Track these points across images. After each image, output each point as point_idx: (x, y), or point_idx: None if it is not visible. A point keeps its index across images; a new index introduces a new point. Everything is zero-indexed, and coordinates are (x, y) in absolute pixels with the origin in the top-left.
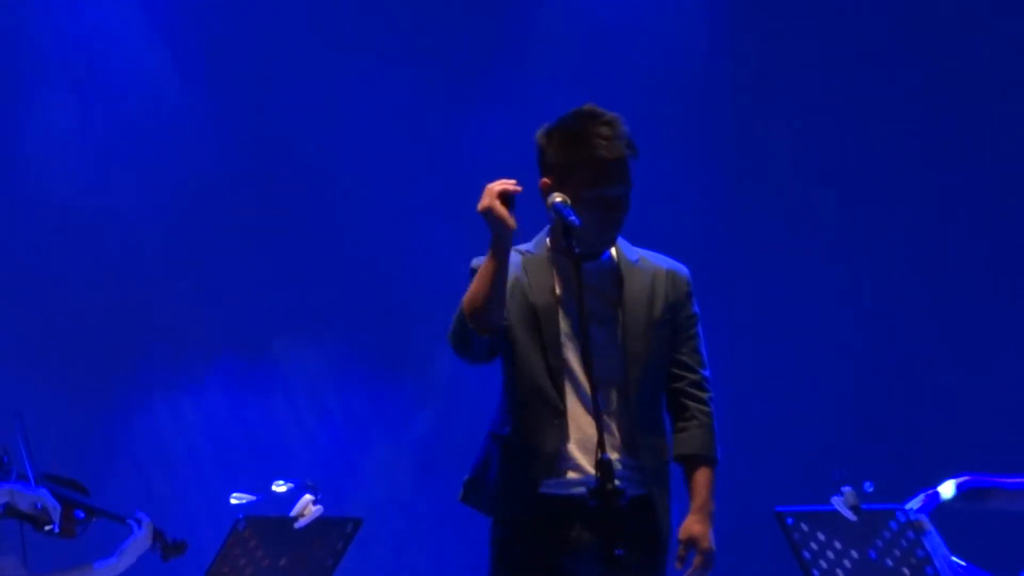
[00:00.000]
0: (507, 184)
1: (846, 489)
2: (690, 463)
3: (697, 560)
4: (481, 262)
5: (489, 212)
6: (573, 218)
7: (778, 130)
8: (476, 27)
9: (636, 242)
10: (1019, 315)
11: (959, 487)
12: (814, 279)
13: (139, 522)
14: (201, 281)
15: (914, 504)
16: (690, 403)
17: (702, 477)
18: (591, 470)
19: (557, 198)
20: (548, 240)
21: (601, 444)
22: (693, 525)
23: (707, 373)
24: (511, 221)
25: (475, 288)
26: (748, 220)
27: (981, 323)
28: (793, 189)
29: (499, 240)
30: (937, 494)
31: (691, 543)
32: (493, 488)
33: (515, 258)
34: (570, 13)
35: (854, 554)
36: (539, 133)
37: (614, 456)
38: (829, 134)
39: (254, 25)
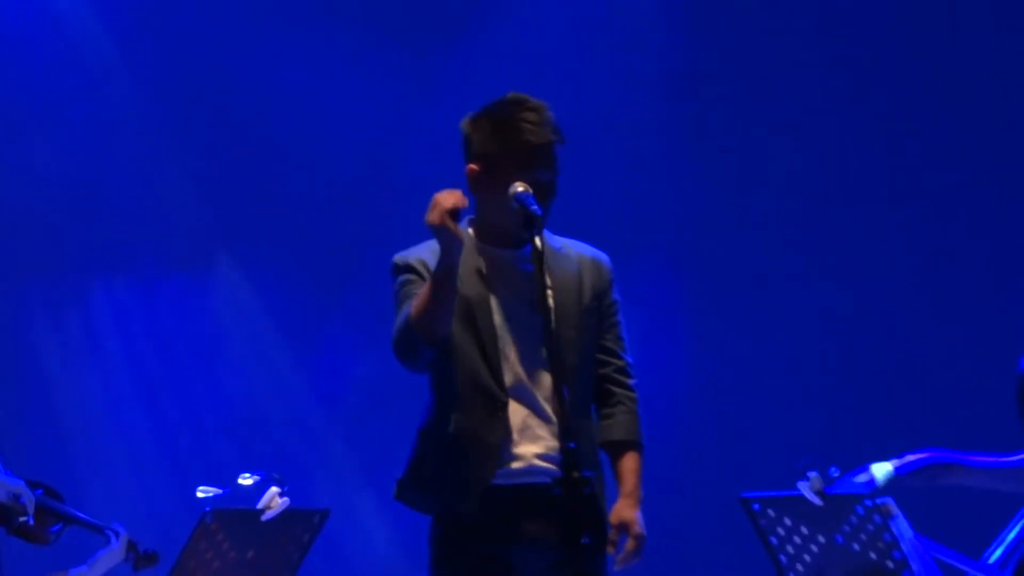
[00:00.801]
0: (456, 198)
1: (812, 474)
2: (617, 448)
3: (629, 544)
4: (407, 258)
5: (440, 228)
6: (535, 207)
7: (767, 128)
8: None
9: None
10: (988, 300)
11: (908, 465)
12: (783, 268)
13: (116, 534)
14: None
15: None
16: (615, 389)
17: (630, 463)
18: (535, 460)
19: (519, 187)
20: (471, 229)
21: (565, 432)
22: (624, 510)
23: (630, 359)
24: (462, 235)
25: (424, 300)
26: (722, 211)
27: (953, 312)
28: (770, 184)
29: (449, 254)
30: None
31: (623, 528)
32: (433, 485)
33: (439, 249)
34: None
35: (821, 539)
36: (465, 121)
37: (556, 444)
38: (810, 129)
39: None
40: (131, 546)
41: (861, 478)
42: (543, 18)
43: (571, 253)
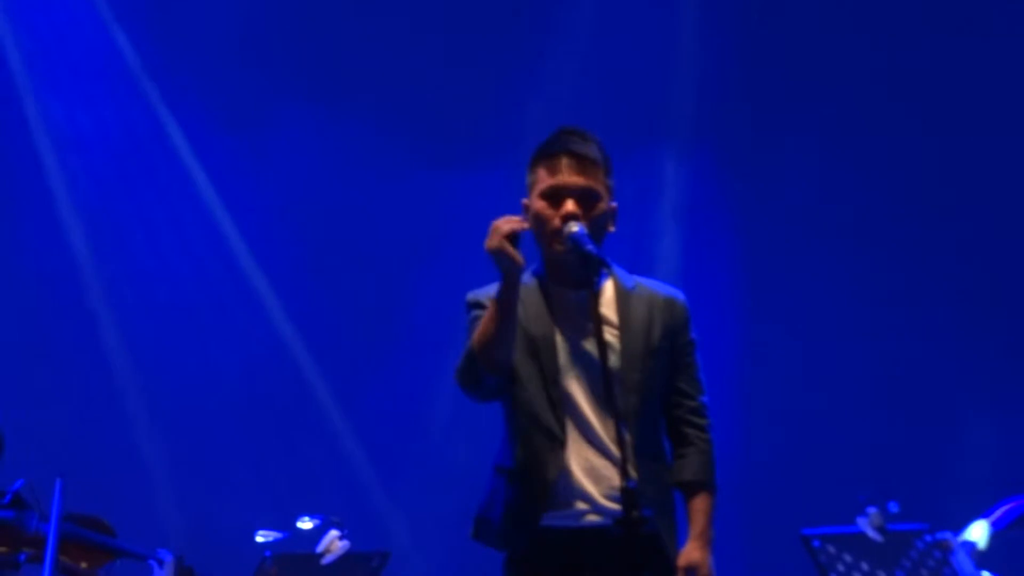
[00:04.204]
0: (514, 222)
1: (871, 510)
2: (688, 489)
3: None
4: (478, 296)
5: (499, 252)
6: (591, 247)
7: (798, 152)
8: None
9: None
10: None
11: (1003, 519)
12: (834, 297)
13: (160, 562)
14: None
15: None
16: (688, 430)
17: (700, 504)
18: (599, 499)
19: (574, 227)
20: (541, 270)
21: (624, 472)
22: (692, 552)
23: (705, 399)
24: (520, 259)
25: (485, 327)
26: (765, 239)
27: (1005, 343)
28: (814, 207)
29: (508, 278)
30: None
31: (690, 571)
32: (499, 523)
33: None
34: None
35: (881, 575)
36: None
37: (620, 484)
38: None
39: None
40: (184, 571)
41: (965, 537)
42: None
43: (644, 293)
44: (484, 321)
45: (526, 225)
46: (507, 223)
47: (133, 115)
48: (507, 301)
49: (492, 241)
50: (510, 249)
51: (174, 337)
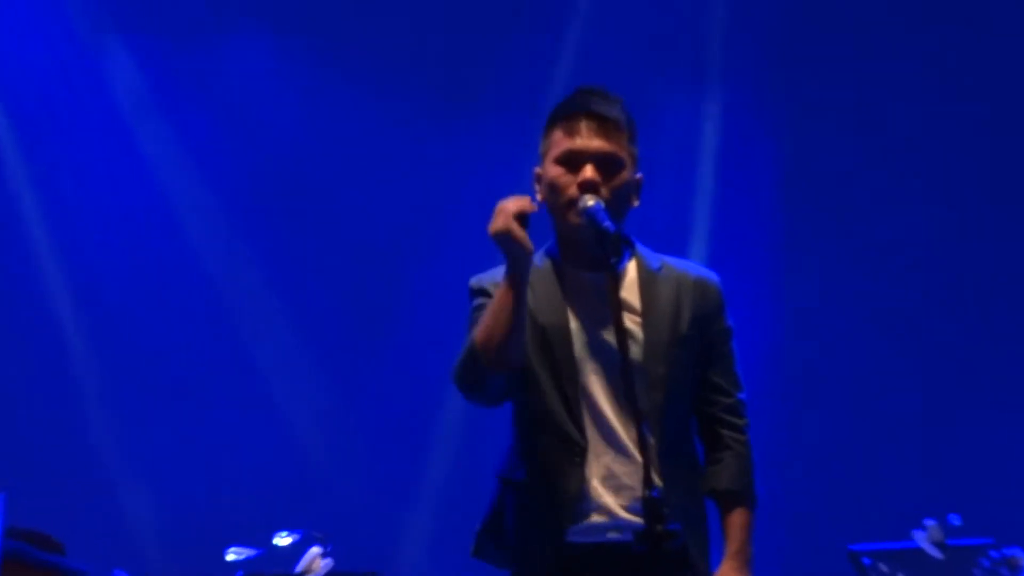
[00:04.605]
0: (523, 203)
1: (930, 523)
2: (724, 500)
3: None
4: (483, 282)
5: (506, 236)
6: (608, 223)
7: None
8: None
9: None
10: None
11: None
12: (886, 283)
13: None
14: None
15: None
16: (724, 431)
17: (738, 517)
18: (620, 513)
19: (590, 201)
20: (554, 248)
21: (648, 479)
22: (728, 573)
23: (743, 396)
24: (529, 245)
25: (490, 319)
26: (810, 240)
27: None
28: (863, 210)
29: (516, 264)
30: None
31: None
32: (510, 540)
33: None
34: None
35: None
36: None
37: (641, 492)
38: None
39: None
40: None
41: None
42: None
43: (671, 274)
44: (488, 312)
45: (535, 206)
46: (515, 203)
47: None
48: (515, 290)
49: (497, 223)
50: (518, 232)
51: (129, 320)
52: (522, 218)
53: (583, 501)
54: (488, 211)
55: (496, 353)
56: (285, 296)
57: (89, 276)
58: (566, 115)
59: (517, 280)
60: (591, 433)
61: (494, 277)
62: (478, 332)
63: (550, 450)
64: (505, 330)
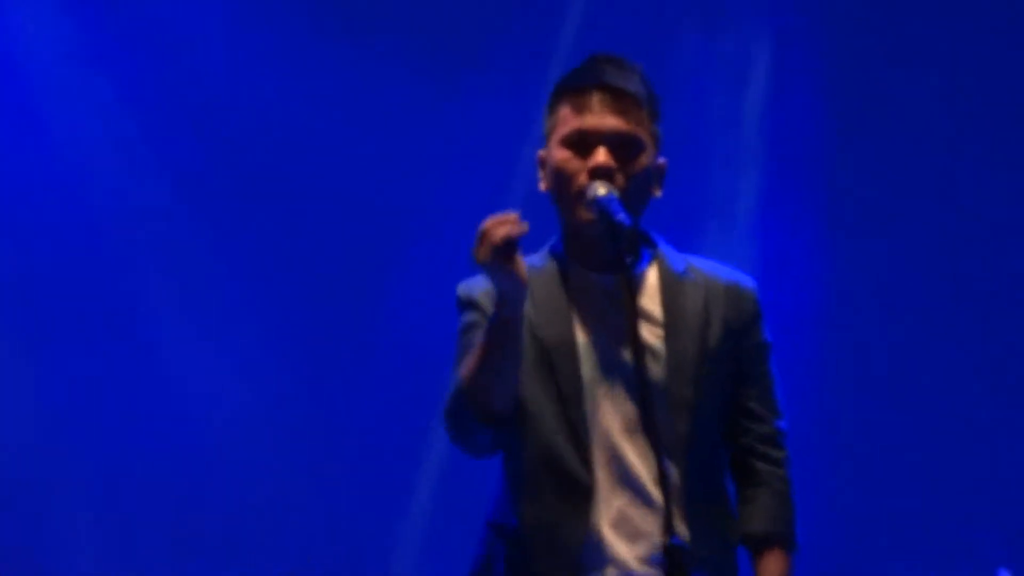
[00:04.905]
0: (509, 225)
1: (1003, 574)
2: (759, 545)
3: None
4: (472, 291)
5: (492, 267)
6: (622, 216)
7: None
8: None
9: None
10: None
11: None
12: (949, 290)
13: None
14: None
15: None
16: (759, 465)
17: (773, 565)
18: (636, 565)
19: (601, 190)
20: (559, 246)
21: (669, 524)
22: None
23: (783, 424)
24: (522, 274)
25: (477, 360)
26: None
27: None
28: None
29: (507, 299)
30: None
31: None
32: None
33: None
34: None
35: None
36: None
37: (661, 540)
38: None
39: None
40: None
41: None
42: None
43: (698, 278)
44: (476, 352)
45: (526, 225)
46: (501, 225)
47: None
48: (506, 330)
49: (481, 253)
50: (506, 265)
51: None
52: (510, 244)
53: (590, 552)
54: (477, 193)
55: (482, 398)
56: (246, 290)
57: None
58: (575, 88)
59: (510, 314)
60: (600, 470)
61: (488, 285)
62: (464, 374)
63: (548, 491)
64: (493, 376)
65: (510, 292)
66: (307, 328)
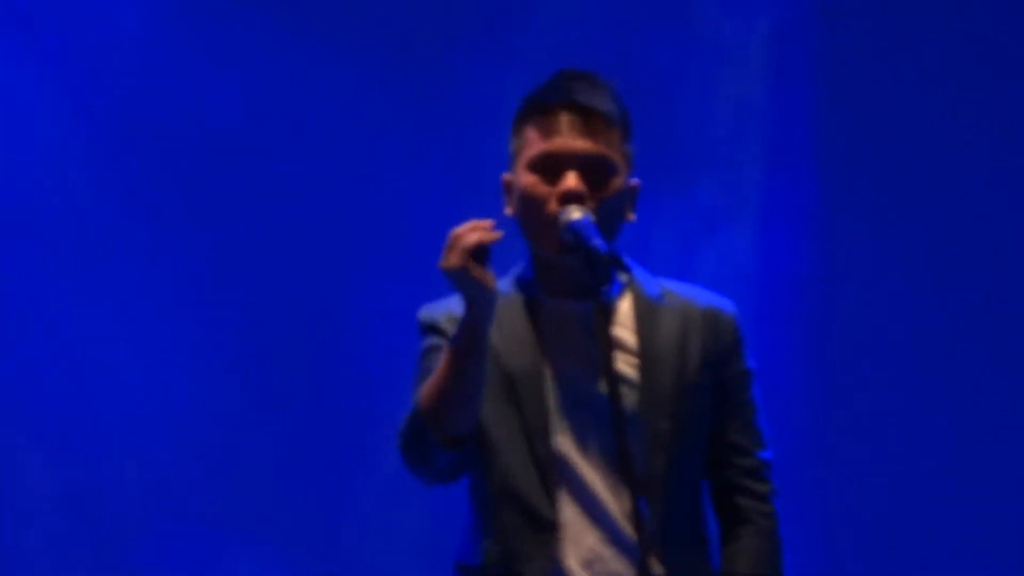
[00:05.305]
0: (481, 232)
1: None
2: None
3: None
4: (435, 315)
5: (460, 274)
6: (598, 241)
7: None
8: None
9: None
10: None
11: None
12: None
13: None
14: None
15: None
16: (743, 500)
17: None
18: None
19: (575, 214)
20: (528, 274)
21: (644, 567)
22: None
23: (767, 455)
24: (491, 283)
25: (440, 379)
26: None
27: None
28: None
29: (474, 310)
30: None
31: None
32: None
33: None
34: None
35: None
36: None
37: None
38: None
39: None
40: None
41: None
42: None
43: (675, 303)
44: (437, 371)
45: (499, 233)
46: (472, 231)
47: None
48: (472, 344)
49: (450, 259)
50: (476, 271)
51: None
52: (482, 251)
53: None
54: (448, 196)
55: (445, 419)
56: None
57: None
58: (541, 108)
59: (476, 328)
60: (568, 507)
61: (450, 309)
62: (424, 395)
63: (512, 528)
64: (457, 395)
65: (479, 302)
66: (255, 346)
